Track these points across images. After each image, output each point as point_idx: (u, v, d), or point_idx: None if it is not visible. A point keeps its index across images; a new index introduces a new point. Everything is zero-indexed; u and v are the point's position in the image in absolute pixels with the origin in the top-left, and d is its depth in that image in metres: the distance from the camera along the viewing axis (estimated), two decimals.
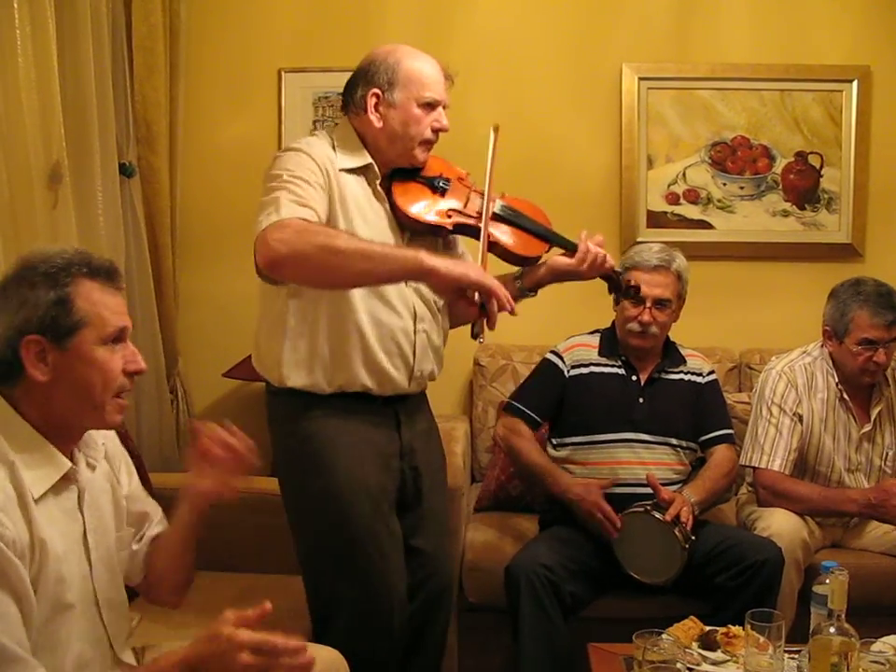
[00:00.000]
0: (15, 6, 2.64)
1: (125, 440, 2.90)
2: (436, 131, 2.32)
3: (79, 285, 1.62)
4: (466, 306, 2.12)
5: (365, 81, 2.31)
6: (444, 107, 2.34)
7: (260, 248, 2.07)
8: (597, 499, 2.78)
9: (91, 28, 3.09)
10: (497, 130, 2.37)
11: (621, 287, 2.55)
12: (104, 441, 1.83)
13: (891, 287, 2.99)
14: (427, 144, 2.33)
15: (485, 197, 2.32)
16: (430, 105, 2.30)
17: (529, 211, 2.46)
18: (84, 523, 1.70)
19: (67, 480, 1.67)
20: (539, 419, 3.07)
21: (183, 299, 3.86)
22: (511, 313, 2.12)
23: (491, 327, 2.10)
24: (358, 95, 2.32)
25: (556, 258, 2.43)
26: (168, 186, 3.69)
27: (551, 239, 2.43)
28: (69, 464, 1.66)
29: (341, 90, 2.41)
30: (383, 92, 2.29)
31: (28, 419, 1.62)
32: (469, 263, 2.19)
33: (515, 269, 2.48)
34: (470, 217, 2.34)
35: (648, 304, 2.92)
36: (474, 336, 2.15)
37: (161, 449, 3.65)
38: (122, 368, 1.67)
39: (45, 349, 1.60)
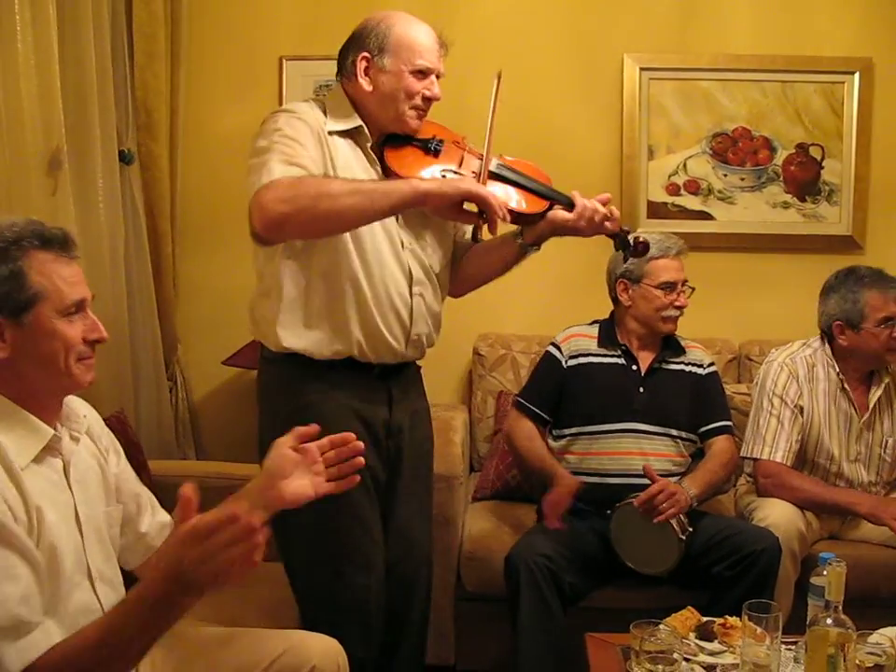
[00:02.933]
0: None
1: (124, 426, 2.92)
2: (427, 99, 2.31)
3: (32, 258, 1.61)
4: (466, 218, 2.21)
5: (356, 46, 2.30)
6: (438, 76, 2.32)
7: (257, 212, 2.09)
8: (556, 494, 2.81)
9: (91, 14, 3.09)
10: (499, 77, 2.32)
11: (628, 245, 2.44)
12: (86, 413, 1.83)
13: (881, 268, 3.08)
14: (419, 111, 2.32)
15: (486, 144, 2.29)
16: (422, 73, 2.28)
17: (527, 170, 2.42)
18: (73, 494, 1.70)
19: (51, 450, 1.67)
20: (546, 416, 3.07)
21: (182, 286, 3.86)
22: (505, 220, 2.20)
23: (492, 231, 2.20)
24: (349, 60, 2.31)
25: (556, 211, 2.37)
26: (168, 173, 3.68)
27: (550, 196, 2.38)
28: (52, 431, 1.66)
29: None
30: (373, 57, 2.28)
31: (4, 394, 1.63)
32: (460, 178, 2.22)
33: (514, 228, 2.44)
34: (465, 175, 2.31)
35: (681, 288, 2.99)
36: (475, 240, 2.25)
37: (159, 436, 3.65)
38: (83, 336, 1.66)
39: (1, 326, 1.60)
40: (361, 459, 1.83)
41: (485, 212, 2.15)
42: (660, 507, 2.69)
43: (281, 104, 3.84)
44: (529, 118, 3.76)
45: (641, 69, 3.84)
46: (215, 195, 3.88)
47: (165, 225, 3.68)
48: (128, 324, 3.42)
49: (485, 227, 2.18)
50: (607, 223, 2.35)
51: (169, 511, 1.92)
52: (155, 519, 1.93)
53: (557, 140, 3.81)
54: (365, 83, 2.29)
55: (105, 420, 1.93)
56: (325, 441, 1.82)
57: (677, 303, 2.98)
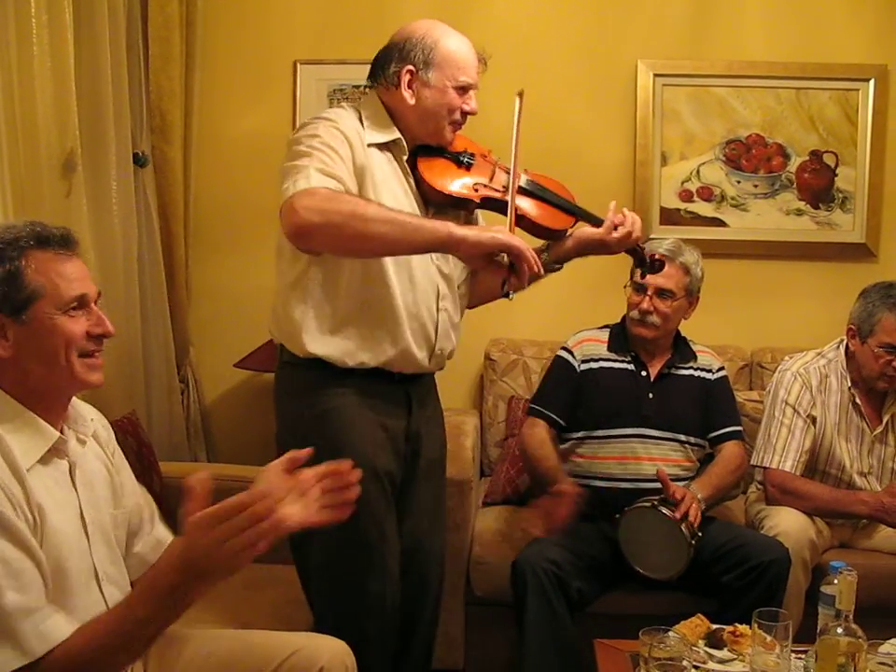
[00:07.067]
0: None
1: (135, 428, 2.93)
2: (465, 113, 2.33)
3: (29, 257, 1.63)
4: (496, 270, 2.15)
5: (400, 57, 2.30)
6: (475, 90, 2.35)
7: (288, 216, 2.06)
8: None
9: (106, 17, 3.10)
10: (521, 95, 2.34)
11: (644, 261, 2.49)
12: (93, 417, 1.83)
13: None
14: (456, 125, 2.34)
15: (513, 162, 2.31)
16: (464, 88, 2.30)
17: (554, 186, 2.45)
18: (78, 496, 1.70)
19: (57, 452, 1.68)
20: (560, 420, 3.05)
21: (195, 289, 3.87)
22: (538, 274, 2.15)
23: (521, 286, 2.15)
24: (391, 71, 2.31)
25: (583, 228, 2.41)
26: (182, 176, 3.69)
27: (577, 213, 2.42)
28: (57, 434, 1.67)
29: (356, 82, 2.43)
30: (418, 70, 2.28)
31: (10, 393, 1.64)
32: (495, 228, 2.18)
33: (540, 243, 2.46)
34: (497, 190, 2.34)
35: (649, 293, 2.95)
36: (505, 294, 2.18)
37: (171, 438, 3.66)
38: (87, 331, 1.67)
39: (3, 325, 1.62)
40: (354, 494, 1.68)
41: (516, 265, 2.11)
42: (688, 511, 2.69)
43: (295, 107, 3.86)
44: (543, 124, 3.75)
45: (655, 75, 3.84)
46: (228, 198, 3.90)
47: (178, 227, 3.69)
48: (140, 326, 3.43)
49: (513, 280, 2.13)
50: (634, 235, 2.39)
51: (178, 511, 1.91)
52: (151, 536, 1.92)
53: (571, 146, 3.81)
54: (408, 96, 2.29)
55: (116, 421, 1.93)
56: (320, 469, 1.67)
57: (640, 306, 2.96)
